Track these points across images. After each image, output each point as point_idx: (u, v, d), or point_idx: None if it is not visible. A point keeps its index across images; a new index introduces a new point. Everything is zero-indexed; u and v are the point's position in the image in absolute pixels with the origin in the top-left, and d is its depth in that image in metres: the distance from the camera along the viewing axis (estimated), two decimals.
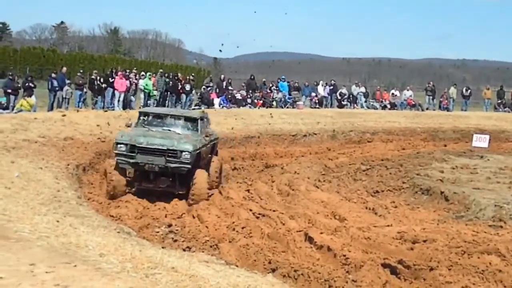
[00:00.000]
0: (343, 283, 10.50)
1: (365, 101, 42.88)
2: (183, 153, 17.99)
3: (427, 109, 43.85)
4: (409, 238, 14.32)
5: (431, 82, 46.81)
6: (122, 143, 18.01)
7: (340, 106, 41.02)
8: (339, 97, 41.38)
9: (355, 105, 42.00)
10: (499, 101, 46.38)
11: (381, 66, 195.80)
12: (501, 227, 15.50)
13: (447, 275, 11.15)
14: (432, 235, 14.52)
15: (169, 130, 19.36)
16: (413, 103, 43.84)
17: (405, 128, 38.24)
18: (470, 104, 46.55)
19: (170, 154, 17.97)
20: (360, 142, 34.94)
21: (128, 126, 19.72)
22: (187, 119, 20.01)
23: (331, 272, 11.22)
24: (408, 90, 45.82)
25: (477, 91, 52.65)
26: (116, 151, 18.09)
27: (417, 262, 11.78)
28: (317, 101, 40.34)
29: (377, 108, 42.26)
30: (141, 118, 19.82)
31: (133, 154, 17.93)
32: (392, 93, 44.86)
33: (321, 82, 42.90)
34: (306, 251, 13.10)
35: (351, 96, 42.34)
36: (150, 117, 19.86)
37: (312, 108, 39.45)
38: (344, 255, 12.30)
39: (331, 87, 42.20)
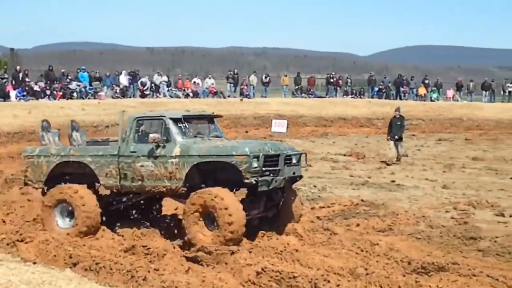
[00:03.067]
0: (145, 273, 10.47)
1: (168, 90, 42.97)
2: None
3: (228, 96, 44.69)
4: None
5: (233, 70, 47.73)
6: (255, 156, 12.58)
7: (143, 95, 40.80)
8: (141, 87, 41.14)
9: (158, 94, 41.97)
10: (296, 87, 48.24)
11: (184, 55, 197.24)
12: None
13: (247, 257, 11.43)
14: None
15: (210, 137, 14.13)
16: (215, 90, 44.51)
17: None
18: (269, 90, 47.98)
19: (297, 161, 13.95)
20: None
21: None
22: (211, 119, 14.85)
23: (133, 262, 11.16)
24: (210, 78, 46.40)
25: (277, 78, 54.32)
26: (251, 170, 12.51)
27: (218, 247, 11.99)
28: (118, 91, 39.87)
29: (179, 97, 42.49)
30: (177, 124, 13.62)
31: (277, 168, 13.06)
32: (194, 82, 45.28)
33: (123, 71, 42.40)
34: (109, 243, 12.94)
35: (153, 85, 42.25)
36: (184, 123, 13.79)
37: (114, 98, 38.93)
38: (145, 246, 12.26)
39: (132, 77, 41.87)
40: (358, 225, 14.49)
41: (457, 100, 47.48)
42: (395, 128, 24.84)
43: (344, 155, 26.96)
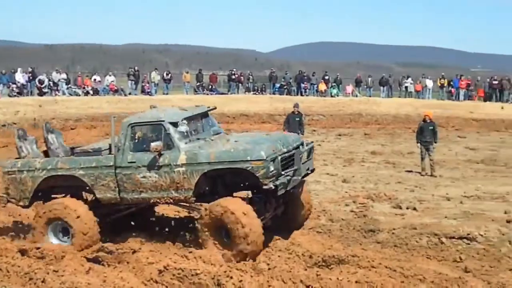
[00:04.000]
0: (44, 274, 10.25)
1: (67, 88, 42.08)
2: None
3: (129, 93, 44.15)
4: None
5: (134, 67, 47.18)
6: (272, 159, 11.74)
7: (41, 93, 39.80)
8: (38, 85, 40.11)
9: (57, 92, 41.03)
10: (198, 84, 48.05)
11: (84, 52, 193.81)
12: None
13: (149, 256, 11.37)
14: None
15: (212, 136, 13.38)
16: (116, 88, 43.88)
17: (109, 113, 38.16)
18: (171, 87, 47.64)
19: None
20: (63, 130, 34.06)
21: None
22: (206, 113, 14.04)
23: (31, 264, 10.92)
24: (110, 75, 45.73)
25: (179, 74, 53.91)
26: (269, 175, 11.65)
27: (120, 247, 11.88)
28: (14, 90, 38.77)
29: (79, 95, 41.71)
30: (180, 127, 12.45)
31: (295, 168, 12.31)
32: (94, 79, 44.55)
33: (19, 69, 41.21)
34: (6, 245, 12.60)
35: (51, 83, 41.27)
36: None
37: (11, 96, 37.85)
38: (38, 248, 11.99)
39: (29, 74, 40.80)
40: None
41: (356, 96, 48.35)
42: (294, 124, 23.58)
43: None
